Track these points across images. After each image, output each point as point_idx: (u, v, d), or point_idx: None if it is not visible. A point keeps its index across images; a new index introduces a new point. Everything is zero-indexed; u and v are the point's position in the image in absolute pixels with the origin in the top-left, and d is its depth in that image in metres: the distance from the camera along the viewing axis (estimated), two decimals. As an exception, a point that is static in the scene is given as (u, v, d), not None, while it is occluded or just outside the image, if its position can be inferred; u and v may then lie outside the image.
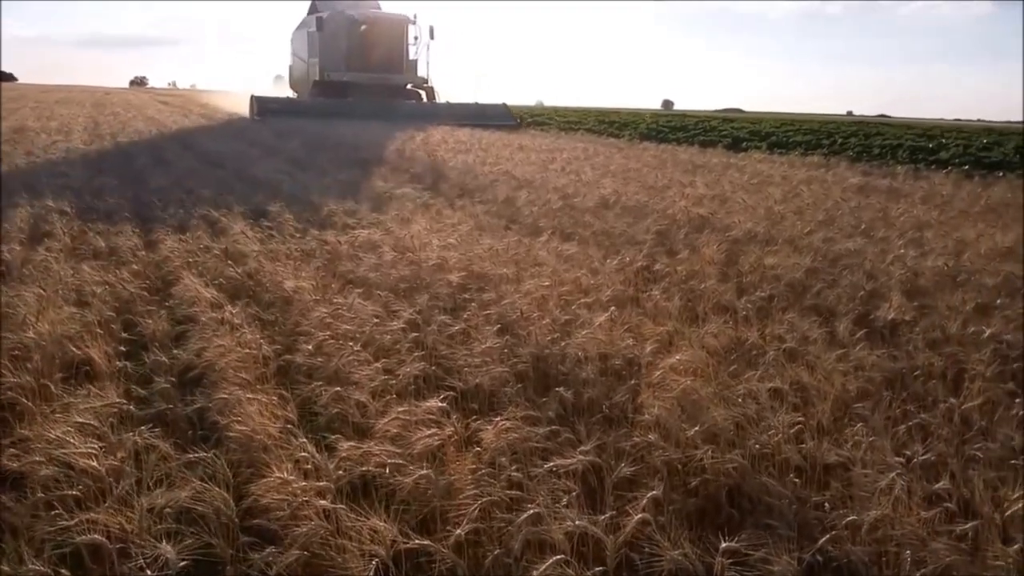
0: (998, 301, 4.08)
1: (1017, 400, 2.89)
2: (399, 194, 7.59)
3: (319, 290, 3.93)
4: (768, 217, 6.65)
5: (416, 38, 24.46)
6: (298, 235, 5.49)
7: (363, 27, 23.51)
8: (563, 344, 3.27)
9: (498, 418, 2.45)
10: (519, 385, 2.93)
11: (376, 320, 3.39)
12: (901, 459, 2.32)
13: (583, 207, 7.22)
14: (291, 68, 27.47)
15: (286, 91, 28.04)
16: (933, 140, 16.54)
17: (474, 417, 2.62)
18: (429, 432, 2.27)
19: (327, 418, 2.54)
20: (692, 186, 8.75)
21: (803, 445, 2.46)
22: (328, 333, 3.21)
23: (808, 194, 8.12)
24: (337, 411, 2.53)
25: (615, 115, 32.99)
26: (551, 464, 2.17)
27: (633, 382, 2.95)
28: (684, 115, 39.49)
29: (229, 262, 4.65)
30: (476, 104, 23.72)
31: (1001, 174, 10.89)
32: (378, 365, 2.89)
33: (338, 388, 2.61)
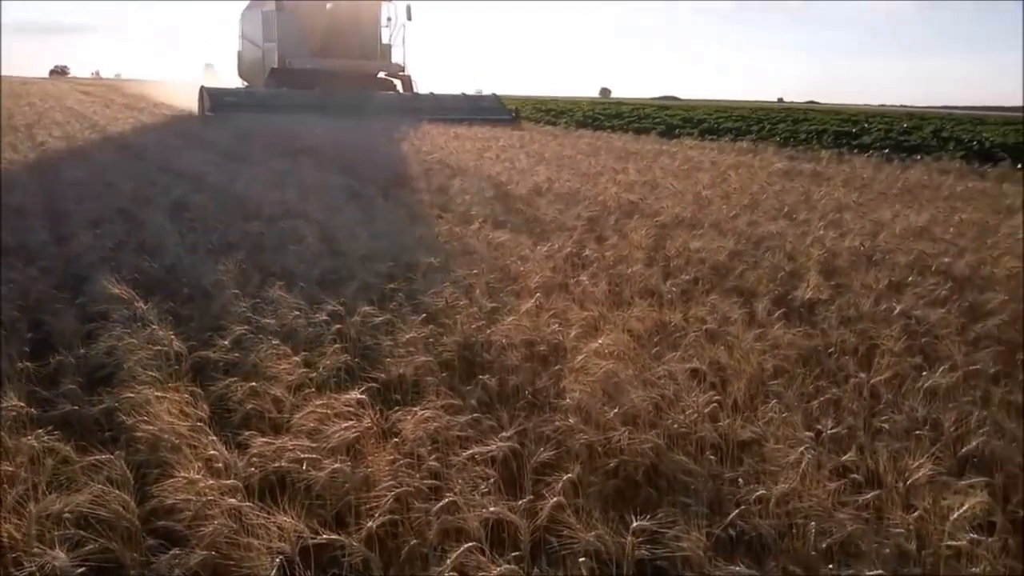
0: (909, 279, 4.25)
1: (924, 373, 3.01)
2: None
3: (239, 283, 3.83)
4: (696, 202, 6.77)
5: (390, 19, 20.70)
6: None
7: (329, 5, 20.29)
8: (489, 332, 3.26)
9: (418, 408, 2.44)
10: (444, 374, 2.91)
11: (297, 312, 3.32)
12: (811, 434, 2.39)
13: (516, 194, 7.23)
14: (240, 54, 22.93)
15: (224, 81, 23.60)
16: (856, 125, 17.13)
17: (396, 408, 2.59)
18: (346, 425, 2.23)
19: (242, 415, 2.47)
20: (624, 173, 8.84)
21: (719, 423, 2.52)
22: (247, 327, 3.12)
23: (735, 179, 8.30)
24: (253, 407, 2.46)
25: (552, 103, 33.12)
26: (470, 452, 2.16)
27: (557, 367, 2.97)
28: (620, 103, 39.94)
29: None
30: (464, 95, 20.42)
31: (919, 157, 11.35)
32: (297, 359, 2.83)
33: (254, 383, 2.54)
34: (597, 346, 3.05)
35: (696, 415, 2.51)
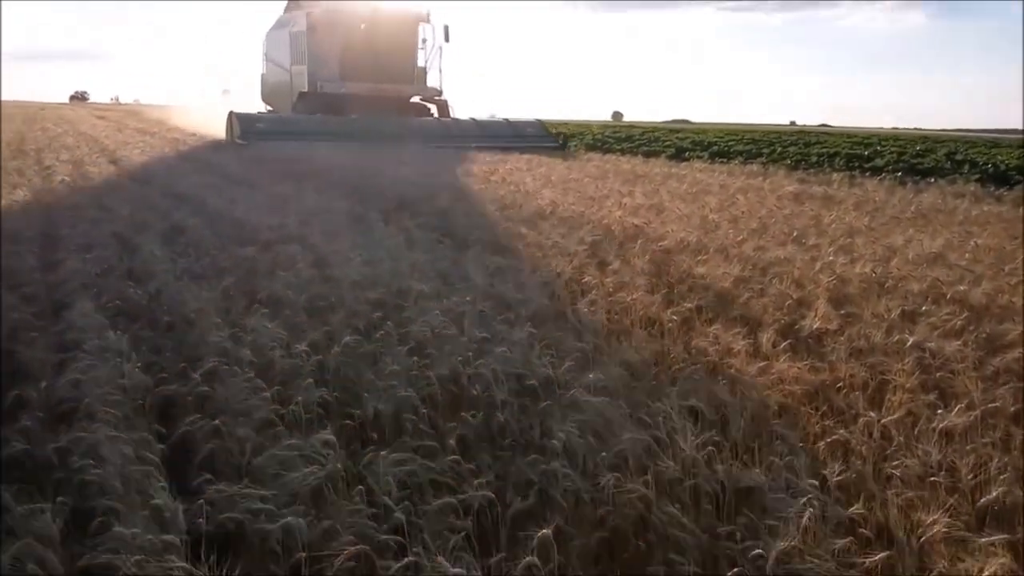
0: (923, 308, 4.05)
1: (939, 411, 2.82)
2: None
3: (222, 311, 3.69)
4: (702, 226, 6.60)
5: (425, 40, 19.22)
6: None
7: (363, 26, 18.55)
8: (478, 363, 3.09)
9: (391, 450, 2.28)
10: (425, 410, 2.75)
11: (276, 343, 3.17)
12: (816, 481, 2.20)
13: (519, 218, 7.09)
14: (264, 77, 21.55)
15: (243, 106, 21.40)
16: (869, 148, 16.92)
17: (370, 448, 2.43)
18: (309, 469, 2.07)
19: (203, 456, 2.31)
20: (631, 196, 8.69)
21: (717, 468, 2.33)
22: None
23: (744, 202, 8.13)
24: (214, 448, 2.31)
25: (563, 127, 33.14)
26: (441, 501, 1.99)
27: (547, 403, 2.80)
28: (632, 126, 39.94)
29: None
30: (507, 121, 18.86)
31: (932, 180, 11.13)
32: (268, 393, 2.68)
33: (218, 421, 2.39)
34: (590, 380, 2.89)
35: (691, 459, 2.32)
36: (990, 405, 2.86)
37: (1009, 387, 2.99)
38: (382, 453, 2.19)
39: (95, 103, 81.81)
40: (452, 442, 2.52)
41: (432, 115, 19.43)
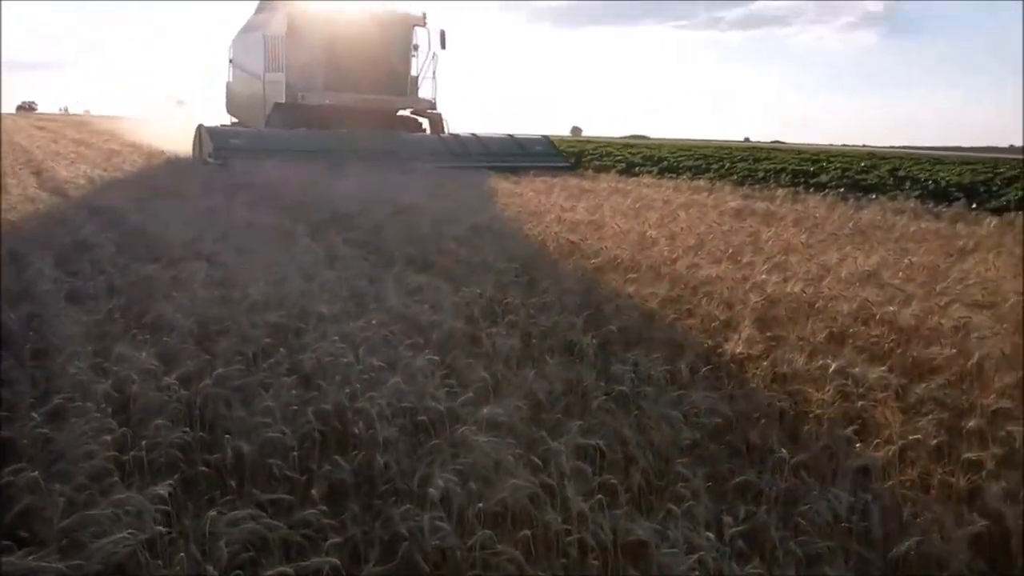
0: (851, 329, 3.90)
1: (857, 445, 2.64)
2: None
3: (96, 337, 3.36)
4: (639, 243, 6.43)
5: (417, 46, 16.79)
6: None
7: (349, 29, 16.05)
8: (368, 396, 2.82)
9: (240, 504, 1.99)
10: (295, 452, 2.46)
11: (144, 374, 2.85)
12: (711, 535, 1.98)
13: (453, 234, 6.83)
14: (230, 86, 18.88)
15: (201, 118, 18.10)
16: (815, 164, 17.11)
17: (221, 501, 2.15)
18: (128, 533, 1.78)
19: (16, 514, 2.00)
20: (572, 211, 8.51)
21: (609, 517, 2.10)
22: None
23: (684, 218, 8.00)
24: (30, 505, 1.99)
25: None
26: (275, 571, 1.72)
27: (436, 442, 2.54)
28: (588, 141, 40.10)
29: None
30: (512, 138, 16.39)
31: (874, 196, 11.20)
32: (118, 435, 2.37)
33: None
34: (486, 415, 2.64)
35: (581, 508, 2.09)
36: (912, 437, 2.69)
37: (932, 418, 2.83)
38: (222, 509, 1.89)
39: (42, 113, 79.39)
40: (319, 490, 2.25)
41: (424, 130, 17.04)
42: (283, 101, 15.78)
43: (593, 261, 5.69)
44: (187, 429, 2.55)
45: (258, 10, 18.05)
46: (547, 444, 2.45)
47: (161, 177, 11.37)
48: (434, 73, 16.74)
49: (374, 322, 3.73)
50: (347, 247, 6.27)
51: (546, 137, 17.60)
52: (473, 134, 16.23)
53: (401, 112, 17.14)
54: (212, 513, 1.87)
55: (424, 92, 16.97)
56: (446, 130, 16.66)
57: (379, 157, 13.05)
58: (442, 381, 3.04)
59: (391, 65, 16.60)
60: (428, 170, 12.18)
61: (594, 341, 3.72)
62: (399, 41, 16.71)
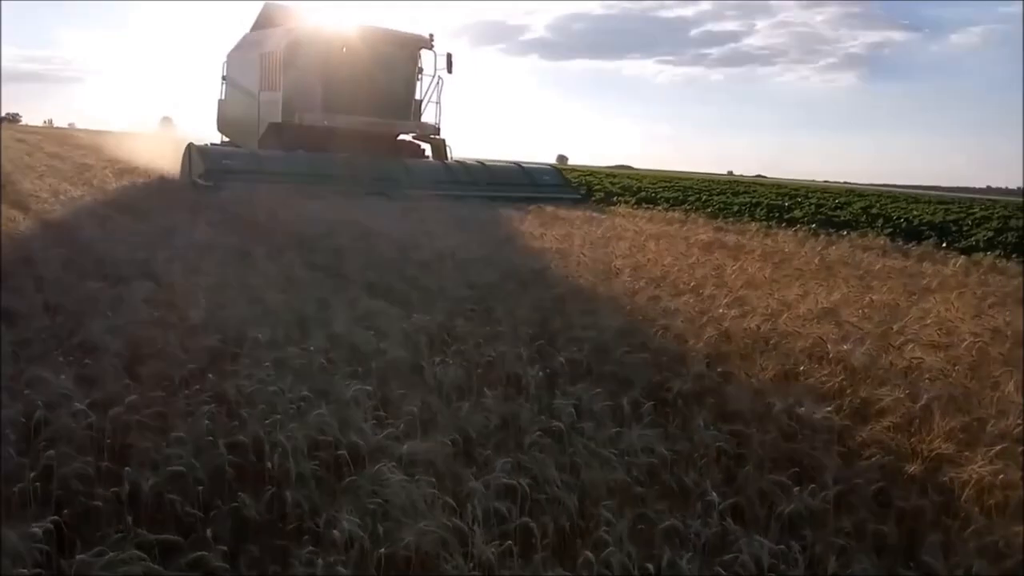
0: (802, 368, 3.83)
1: (796, 489, 2.54)
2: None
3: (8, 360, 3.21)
4: (603, 273, 6.37)
5: (422, 69, 16.06)
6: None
7: (353, 48, 15.17)
8: (291, 427, 2.70)
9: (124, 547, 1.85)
10: (201, 488, 2.33)
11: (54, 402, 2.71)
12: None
13: (417, 259, 6.73)
14: (223, 104, 18.08)
15: (189, 136, 17.33)
16: (791, 199, 17.25)
17: (112, 539, 2.01)
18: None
19: None
20: (540, 239, 8.46)
21: (526, 559, 1.99)
22: None
23: (653, 249, 7.96)
24: None
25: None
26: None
27: (351, 479, 2.42)
28: (573, 169, 40.35)
29: None
30: (520, 167, 15.78)
31: (845, 233, 11.26)
32: None
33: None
34: (409, 452, 2.53)
35: (490, 555, 1.97)
36: (854, 482, 2.61)
37: (874, 461, 2.75)
38: (103, 550, 1.76)
39: (25, 125, 78.64)
40: (222, 530, 2.12)
41: (426, 156, 16.32)
42: (279, 121, 15.00)
43: (555, 290, 5.61)
44: (90, 459, 2.40)
45: (255, 26, 17.35)
46: (469, 483, 2.34)
47: (129, 193, 11.20)
48: (439, 98, 16.05)
49: (312, 348, 3.60)
50: (305, 270, 6.16)
51: (554, 167, 17.11)
52: (480, 162, 15.57)
53: (402, 136, 16.49)
54: (82, 557, 1.73)
55: (427, 117, 16.20)
56: (450, 156, 15.95)
57: (382, 184, 12.50)
58: (371, 413, 2.92)
59: (394, 88, 15.84)
60: (431, 199, 11.57)
61: (540, 374, 3.62)
62: (404, 63, 15.95)
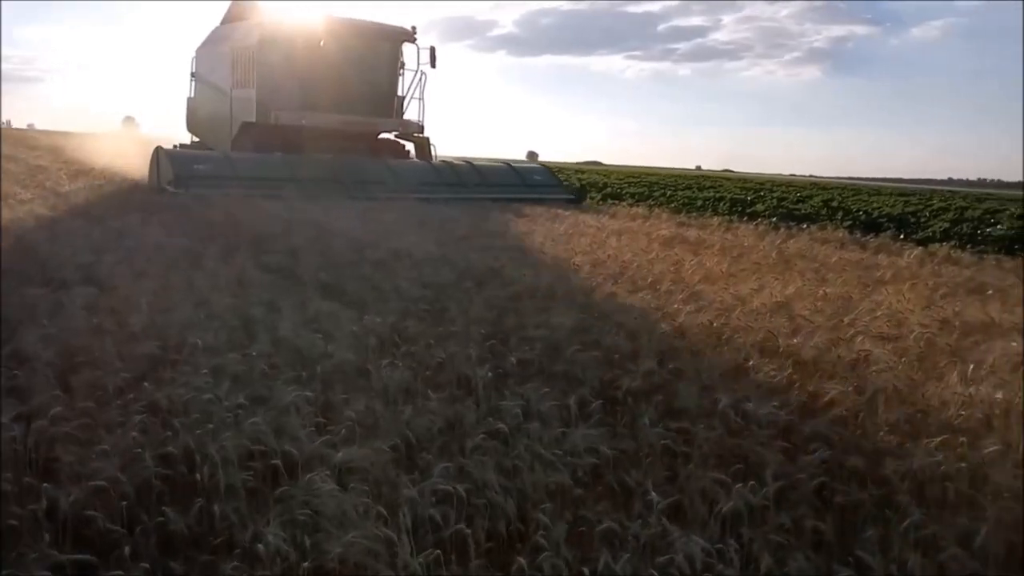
0: (752, 362, 3.83)
1: (738, 487, 2.52)
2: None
3: None
4: (562, 269, 6.34)
5: (403, 64, 15.15)
6: None
7: (331, 42, 14.21)
8: (224, 437, 2.61)
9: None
10: (125, 503, 2.25)
11: None
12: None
13: (372, 259, 6.64)
14: (192, 102, 17.11)
15: (154, 138, 17.46)
16: (754, 193, 17.43)
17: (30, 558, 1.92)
18: None
19: None
20: (503, 237, 8.41)
21: (459, 568, 1.94)
22: None
23: (614, 245, 7.96)
24: None
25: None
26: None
27: (283, 488, 2.35)
28: (542, 165, 40.38)
29: None
30: (510, 166, 15.17)
31: (806, 226, 11.38)
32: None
33: None
34: (345, 459, 2.47)
35: (418, 565, 1.92)
36: (796, 477, 2.60)
37: (817, 456, 2.75)
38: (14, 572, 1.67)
39: (-10, 129, 76.34)
40: (139, 547, 2.04)
41: (410, 155, 15.51)
42: (253, 120, 14.10)
43: (511, 288, 5.57)
44: (9, 475, 2.31)
45: (226, 19, 16.27)
46: (405, 490, 2.28)
47: (81, 196, 10.92)
48: (422, 94, 15.05)
49: (254, 353, 3.52)
50: (259, 272, 6.04)
51: (544, 166, 16.33)
52: (468, 162, 14.83)
53: (384, 135, 15.62)
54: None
55: (410, 114, 15.30)
56: (434, 156, 15.12)
57: (366, 188, 11.91)
58: (310, 420, 2.85)
59: (376, 83, 15.02)
60: (418, 202, 11.24)
61: (489, 374, 3.57)
62: (385, 57, 15.05)
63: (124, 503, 2.24)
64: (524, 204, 12.41)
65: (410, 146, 15.66)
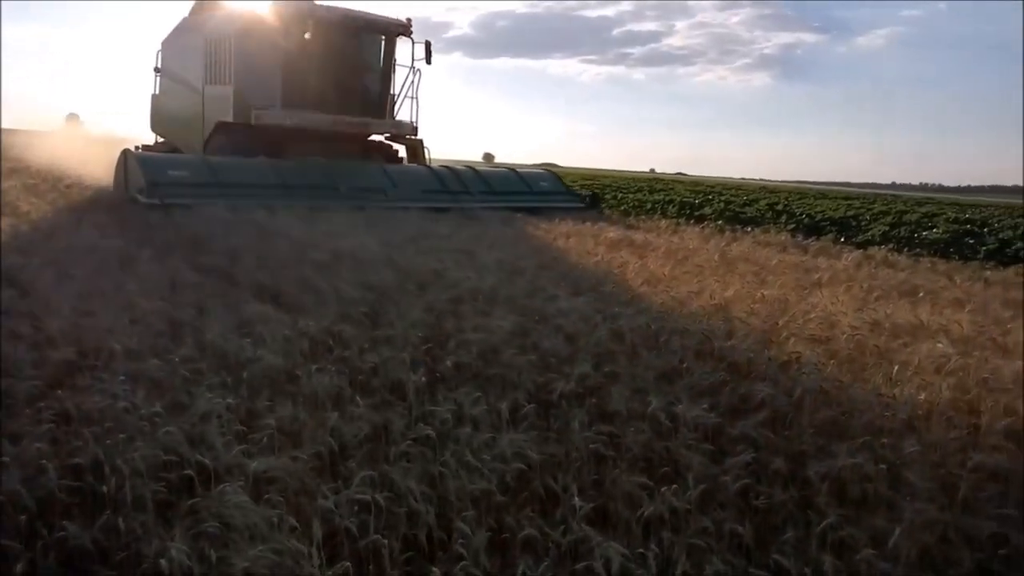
0: (685, 365, 3.86)
1: (663, 490, 2.52)
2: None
3: None
4: (506, 272, 6.31)
5: (394, 60, 13.64)
6: None
7: (319, 33, 12.70)
8: (134, 447, 2.51)
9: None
10: (23, 518, 2.14)
11: None
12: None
13: (314, 260, 6.52)
14: (158, 100, 15.56)
15: (101, 137, 16.67)
16: (703, 197, 17.70)
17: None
18: None
19: None
20: (449, 239, 8.34)
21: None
22: None
23: (561, 247, 7.98)
24: None
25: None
26: None
27: (194, 500, 2.26)
28: (497, 167, 40.40)
29: None
30: (515, 172, 13.78)
31: (750, 229, 11.60)
32: None
33: None
34: (261, 469, 2.39)
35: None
36: (720, 480, 2.62)
37: (742, 458, 2.77)
38: None
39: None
40: (36, 564, 1.94)
41: (402, 159, 14.09)
42: (230, 119, 12.58)
43: (452, 291, 5.52)
44: None
45: (196, 9, 14.64)
46: (320, 500, 2.22)
47: (12, 194, 10.50)
48: (416, 92, 13.51)
49: (177, 359, 3.40)
50: (195, 274, 5.88)
51: (550, 171, 14.96)
52: (470, 167, 13.51)
53: (374, 137, 14.06)
54: None
55: (405, 114, 13.74)
56: (428, 159, 13.75)
57: (364, 196, 10.84)
58: (232, 428, 2.76)
59: (368, 80, 13.58)
60: (420, 212, 10.37)
61: (423, 379, 3.52)
62: (378, 52, 13.53)
63: (24, 517, 2.13)
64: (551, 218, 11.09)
65: (401, 149, 14.20)
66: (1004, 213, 18.00)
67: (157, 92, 15.62)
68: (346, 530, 2.11)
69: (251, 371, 3.43)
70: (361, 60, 13.56)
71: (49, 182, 13.16)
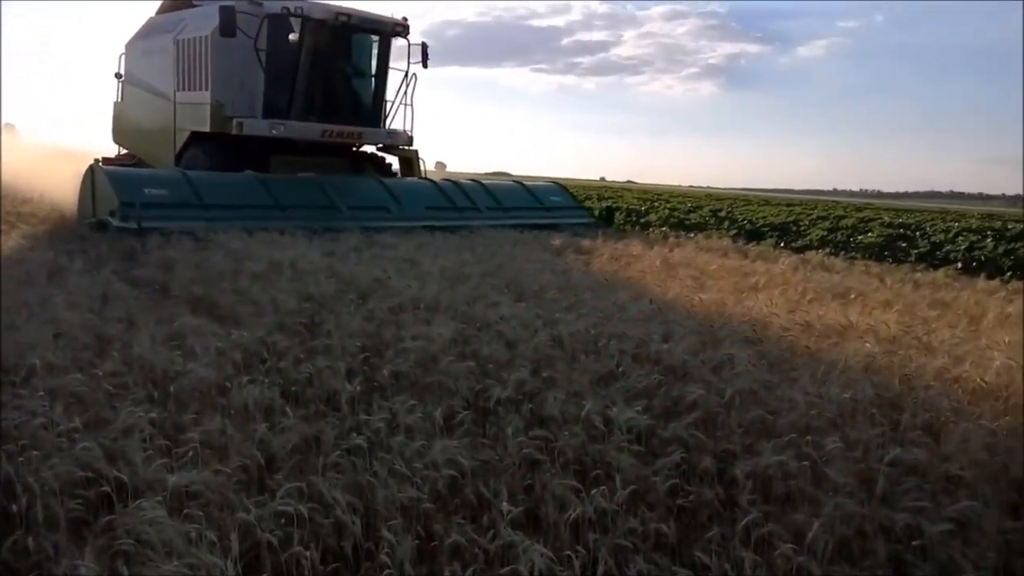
0: (621, 368, 3.90)
1: (592, 492, 2.53)
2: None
3: None
4: (449, 281, 6.30)
5: (385, 64, 12.36)
6: None
7: (308, 33, 11.08)
8: (51, 463, 2.43)
9: None
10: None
11: None
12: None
13: (251, 271, 6.40)
14: (121, 108, 14.26)
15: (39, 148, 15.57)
16: (648, 203, 17.98)
17: None
18: None
19: None
20: (394, 248, 8.28)
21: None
22: None
23: (507, 254, 8.00)
24: None
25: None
26: None
27: (112, 517, 2.20)
28: (448, 176, 40.33)
29: None
30: (522, 186, 12.86)
31: (693, 235, 11.82)
32: None
33: None
34: (181, 484, 2.33)
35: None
36: (650, 479, 2.65)
37: (672, 458, 2.81)
38: None
39: None
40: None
41: (395, 172, 12.92)
42: (206, 129, 11.35)
43: (394, 300, 5.48)
44: None
45: (165, 7, 13.39)
46: (240, 514, 2.18)
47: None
48: (411, 99, 12.29)
49: (101, 373, 3.30)
50: (129, 286, 5.72)
51: (558, 184, 13.68)
52: (476, 180, 12.56)
53: (365, 148, 12.87)
54: None
55: (399, 123, 12.53)
56: (423, 172, 12.72)
57: (365, 215, 9.98)
58: (155, 442, 2.69)
59: (360, 85, 12.33)
60: (427, 232, 9.47)
61: (359, 388, 3.48)
62: (373, 54, 12.29)
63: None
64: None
65: (394, 160, 13.06)
66: (936, 218, 18.73)
67: (120, 100, 14.35)
68: (268, 543, 2.07)
69: (179, 385, 3.35)
70: (355, 62, 12.27)
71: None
